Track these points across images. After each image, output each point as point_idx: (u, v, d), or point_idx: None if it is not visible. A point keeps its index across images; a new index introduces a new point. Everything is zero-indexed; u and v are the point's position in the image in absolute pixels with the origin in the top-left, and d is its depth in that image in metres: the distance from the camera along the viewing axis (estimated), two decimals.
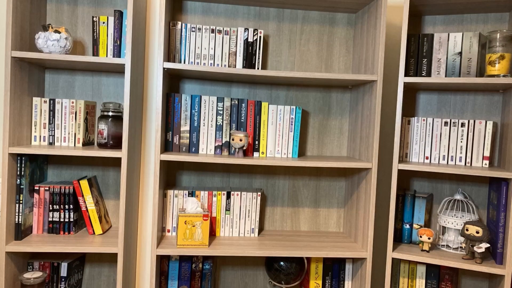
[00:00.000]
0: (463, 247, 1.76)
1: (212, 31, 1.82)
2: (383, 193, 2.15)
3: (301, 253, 1.76)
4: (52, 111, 1.78)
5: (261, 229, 2.08)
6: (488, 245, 1.67)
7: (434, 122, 1.86)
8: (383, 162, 2.14)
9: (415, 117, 1.88)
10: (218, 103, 1.84)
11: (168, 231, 1.90)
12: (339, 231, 2.11)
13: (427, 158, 1.88)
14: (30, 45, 1.74)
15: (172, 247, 1.73)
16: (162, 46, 1.66)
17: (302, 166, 2.07)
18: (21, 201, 1.68)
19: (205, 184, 2.04)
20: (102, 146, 1.75)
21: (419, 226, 1.85)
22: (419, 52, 1.86)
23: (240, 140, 1.74)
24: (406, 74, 1.86)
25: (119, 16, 1.74)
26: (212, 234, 1.93)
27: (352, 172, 2.01)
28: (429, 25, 1.99)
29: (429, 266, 1.88)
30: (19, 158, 1.67)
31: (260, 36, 1.83)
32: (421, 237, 1.80)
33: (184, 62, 1.81)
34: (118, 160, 1.97)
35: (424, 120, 1.87)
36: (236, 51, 1.83)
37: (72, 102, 1.79)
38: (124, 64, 1.65)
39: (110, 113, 1.75)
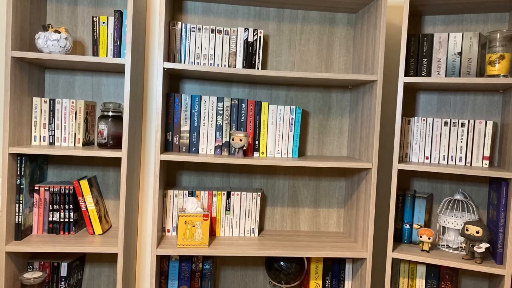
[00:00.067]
0: (463, 247, 1.76)
1: (212, 31, 1.82)
2: (383, 193, 2.15)
3: (301, 253, 1.76)
4: (52, 111, 1.78)
5: (261, 229, 2.08)
6: (488, 245, 1.67)
7: (434, 122, 1.86)
8: (383, 162, 2.14)
9: (415, 117, 1.88)
10: (218, 103, 1.84)
11: (168, 231, 1.90)
12: (339, 231, 2.11)
13: (427, 158, 1.88)
14: (30, 45, 1.74)
15: (172, 247, 1.73)
16: (162, 46, 1.66)
17: (302, 166, 2.07)
18: (21, 201, 1.68)
19: (205, 184, 2.04)
20: (102, 146, 1.75)
21: (419, 226, 1.85)
22: (419, 52, 1.86)
23: (240, 140, 1.74)
24: (406, 74, 1.86)
25: (119, 16, 1.74)
26: (212, 234, 1.93)
27: (352, 172, 2.01)
28: (429, 25, 1.99)
29: (429, 266, 1.88)
30: (19, 158, 1.67)
31: (260, 36, 1.83)
32: (421, 237, 1.80)
33: (184, 62, 1.81)
34: (118, 160, 1.97)
35: (424, 120, 1.87)
36: (236, 51, 1.83)
37: (72, 102, 1.79)
38: (124, 64, 1.65)
39: (110, 113, 1.75)
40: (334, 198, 2.10)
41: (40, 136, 1.78)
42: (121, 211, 1.67)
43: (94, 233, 1.82)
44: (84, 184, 1.78)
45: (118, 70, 1.86)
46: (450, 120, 1.84)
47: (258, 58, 1.83)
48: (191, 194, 1.90)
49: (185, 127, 1.83)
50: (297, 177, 2.08)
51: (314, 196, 2.09)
